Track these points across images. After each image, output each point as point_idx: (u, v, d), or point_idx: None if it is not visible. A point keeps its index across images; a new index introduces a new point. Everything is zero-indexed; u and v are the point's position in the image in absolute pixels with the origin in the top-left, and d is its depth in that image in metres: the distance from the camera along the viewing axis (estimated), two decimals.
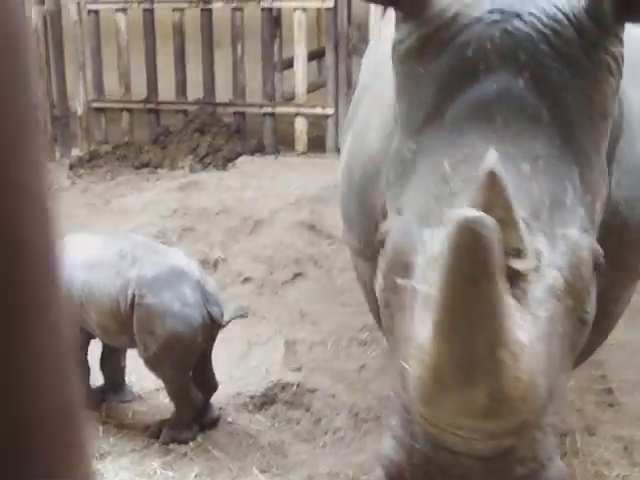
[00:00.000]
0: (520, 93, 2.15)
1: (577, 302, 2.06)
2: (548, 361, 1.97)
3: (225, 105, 9.06)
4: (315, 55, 9.43)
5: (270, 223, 6.80)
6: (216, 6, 8.85)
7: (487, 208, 1.89)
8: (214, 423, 4.21)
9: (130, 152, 8.78)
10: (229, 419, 4.28)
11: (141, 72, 9.08)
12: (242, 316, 4.45)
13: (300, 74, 8.83)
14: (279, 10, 8.82)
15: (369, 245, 2.67)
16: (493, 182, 1.94)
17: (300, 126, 8.87)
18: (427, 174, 2.21)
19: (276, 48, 8.95)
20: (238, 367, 4.78)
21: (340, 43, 8.57)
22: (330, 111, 8.75)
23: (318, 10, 8.89)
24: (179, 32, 8.91)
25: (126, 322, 4.03)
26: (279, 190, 7.45)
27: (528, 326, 1.91)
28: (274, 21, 8.80)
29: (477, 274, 1.83)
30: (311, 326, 5.39)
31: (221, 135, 8.68)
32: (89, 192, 7.86)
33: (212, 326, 4.03)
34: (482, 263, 1.82)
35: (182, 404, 4.06)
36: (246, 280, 5.97)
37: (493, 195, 1.93)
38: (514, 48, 2.16)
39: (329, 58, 8.66)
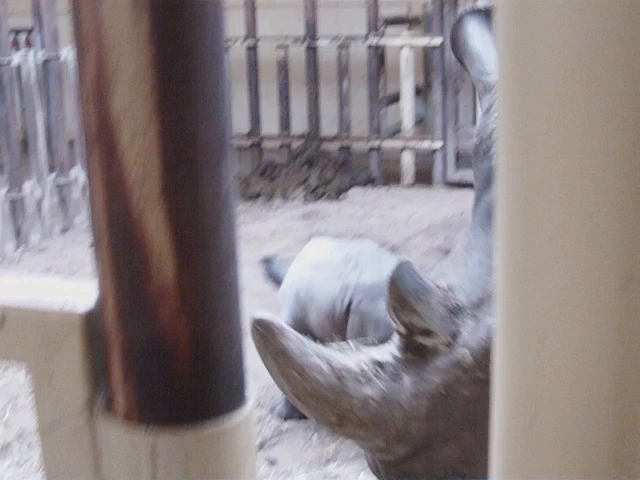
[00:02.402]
0: None
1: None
2: (429, 412, 2.64)
3: (331, 139, 9.45)
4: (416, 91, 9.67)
5: (406, 249, 7.10)
6: (321, 44, 9.21)
7: (391, 301, 2.65)
8: None
9: (238, 184, 9.09)
10: None
11: (243, 108, 9.40)
12: None
13: (407, 109, 9.27)
14: (384, 48, 9.17)
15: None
16: (393, 283, 2.64)
17: (407, 159, 9.29)
18: (456, 250, 2.97)
19: (381, 84, 9.28)
20: None
21: (447, 79, 8.93)
22: (438, 145, 9.08)
23: (424, 48, 9.22)
24: (283, 68, 9.24)
25: (340, 325, 4.27)
26: (404, 218, 7.79)
27: (388, 384, 2.63)
28: (380, 58, 9.10)
29: (267, 351, 2.57)
30: None
31: (328, 168, 9.03)
32: None
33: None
34: (269, 344, 2.56)
35: None
36: None
37: (393, 292, 2.64)
38: None
39: (437, 94, 9.10)
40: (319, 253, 4.52)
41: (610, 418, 0.80)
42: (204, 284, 0.89)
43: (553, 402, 0.80)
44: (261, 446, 4.27)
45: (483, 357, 2.61)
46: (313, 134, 9.51)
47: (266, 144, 9.70)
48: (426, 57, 9.79)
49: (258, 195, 9.00)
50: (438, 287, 2.67)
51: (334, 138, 9.48)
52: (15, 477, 4.03)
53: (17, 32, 10.74)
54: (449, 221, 7.69)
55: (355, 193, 8.86)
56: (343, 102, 9.39)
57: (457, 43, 3.16)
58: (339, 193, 8.74)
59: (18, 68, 7.42)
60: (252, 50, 9.46)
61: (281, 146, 9.63)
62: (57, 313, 0.96)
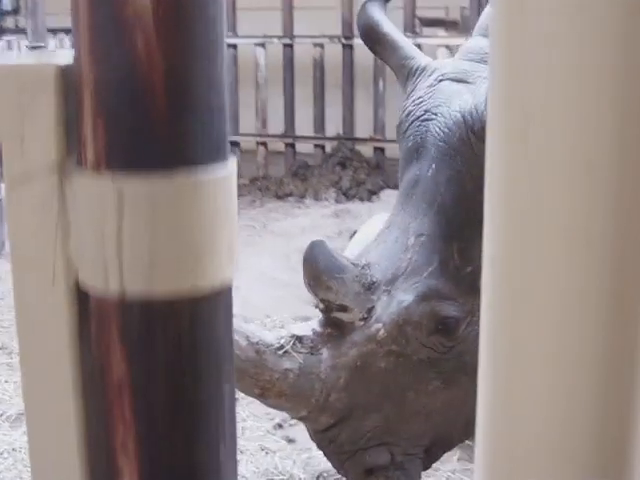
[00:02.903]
0: (426, 180, 2.87)
1: (406, 348, 2.78)
2: (347, 383, 2.81)
3: (365, 140, 9.43)
4: None
5: None
6: (357, 42, 9.16)
7: (307, 279, 2.77)
8: None
9: (270, 184, 9.09)
10: None
11: (278, 107, 9.38)
12: None
13: None
14: (420, 47, 9.09)
15: None
16: (307, 262, 2.77)
17: None
18: (381, 228, 3.05)
19: None
20: None
21: None
22: None
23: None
24: (319, 67, 9.22)
25: None
26: None
27: (306, 357, 2.78)
28: None
29: None
30: None
31: (362, 169, 9.03)
32: (242, 216, 8.11)
33: None
34: None
35: None
36: None
37: (308, 270, 2.76)
38: (430, 143, 2.89)
39: None
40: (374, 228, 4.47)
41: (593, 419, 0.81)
42: (182, 14, 0.81)
43: (534, 408, 0.81)
44: (280, 426, 4.25)
45: (395, 331, 2.79)
46: (347, 135, 9.48)
47: (300, 145, 9.70)
48: None
49: (290, 194, 9.03)
50: (355, 265, 2.83)
51: (368, 140, 9.46)
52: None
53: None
54: None
55: (387, 195, 8.81)
56: (378, 103, 9.39)
57: (369, 32, 3.35)
58: (371, 194, 8.69)
59: None
60: (288, 48, 9.42)
61: (315, 147, 9.61)
62: (32, 67, 0.89)
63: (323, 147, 9.55)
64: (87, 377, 0.99)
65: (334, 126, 9.60)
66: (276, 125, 9.63)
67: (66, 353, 0.97)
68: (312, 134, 9.68)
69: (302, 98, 9.61)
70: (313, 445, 4.05)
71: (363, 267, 2.87)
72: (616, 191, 0.78)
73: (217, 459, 1.01)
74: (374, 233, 4.42)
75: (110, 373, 0.97)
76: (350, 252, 4.40)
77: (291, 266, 6.67)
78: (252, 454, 4.12)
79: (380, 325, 2.81)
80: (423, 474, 3.03)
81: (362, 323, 2.81)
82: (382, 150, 9.42)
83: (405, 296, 2.81)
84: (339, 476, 3.74)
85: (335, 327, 2.83)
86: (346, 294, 2.80)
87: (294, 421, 4.27)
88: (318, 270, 2.78)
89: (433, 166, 2.88)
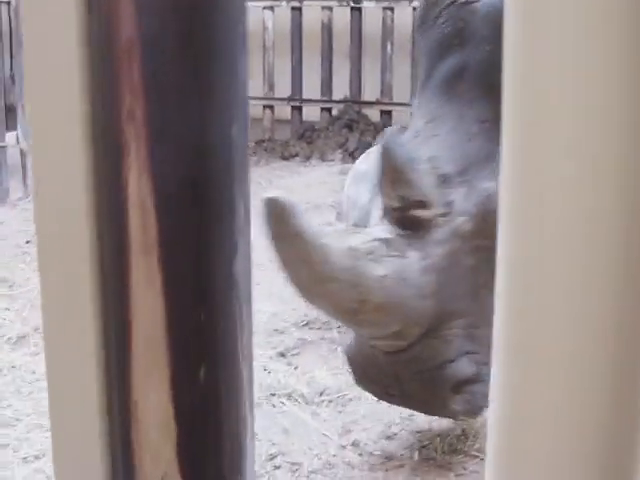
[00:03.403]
0: (479, 64, 2.73)
1: (493, 242, 2.65)
2: (437, 287, 2.58)
3: (372, 104, 9.43)
4: None
5: None
6: (366, 5, 9.13)
7: (384, 171, 2.61)
8: None
9: (276, 146, 9.05)
10: None
11: (285, 70, 9.34)
12: None
13: None
14: None
15: None
16: (385, 152, 2.62)
17: None
18: (417, 125, 2.89)
19: None
20: None
21: None
22: None
23: None
24: (327, 30, 9.17)
25: None
26: None
27: (398, 261, 2.54)
28: None
29: (282, 234, 2.48)
30: None
31: (368, 132, 9.05)
32: None
33: None
34: (284, 226, 2.46)
35: None
36: None
37: (386, 162, 2.60)
38: (479, 26, 2.72)
39: None
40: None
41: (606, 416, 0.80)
42: None
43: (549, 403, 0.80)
44: (283, 355, 4.21)
45: (481, 223, 2.60)
46: (354, 98, 9.48)
47: (307, 111, 9.68)
48: None
49: (296, 155, 9.03)
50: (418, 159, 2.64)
51: (375, 103, 9.44)
52: (29, 364, 3.98)
53: None
54: None
55: None
56: (386, 67, 9.35)
57: None
58: None
59: None
60: (296, 11, 9.39)
61: (322, 110, 9.60)
62: None
63: (330, 110, 9.54)
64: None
65: (341, 90, 9.58)
66: (283, 89, 9.59)
67: None
68: (319, 97, 9.63)
69: (309, 62, 9.59)
70: (316, 368, 4.04)
71: (429, 161, 2.68)
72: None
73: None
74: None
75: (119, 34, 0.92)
76: (351, 187, 4.39)
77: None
78: (255, 374, 4.09)
79: (464, 218, 2.64)
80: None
81: (443, 219, 2.64)
82: (389, 113, 9.39)
83: (487, 184, 2.64)
84: (341, 393, 3.72)
85: (412, 227, 2.65)
86: (425, 188, 2.63)
87: (297, 350, 4.25)
88: (398, 161, 2.61)
89: (487, 48, 2.72)
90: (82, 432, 1.07)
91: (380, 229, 2.70)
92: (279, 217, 2.49)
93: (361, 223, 4.27)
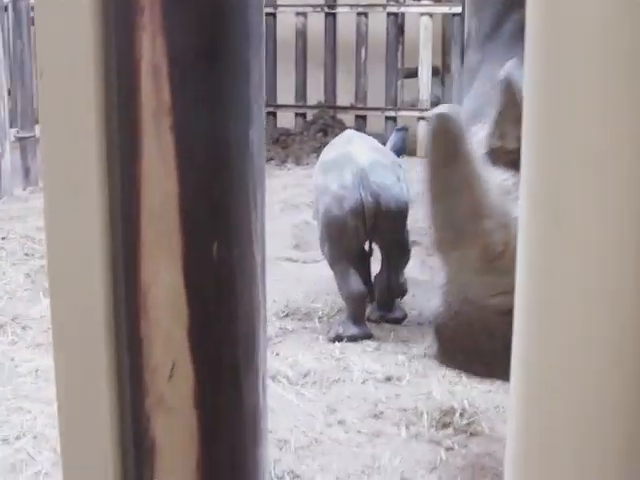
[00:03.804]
0: None
1: None
2: None
3: (346, 109, 9.46)
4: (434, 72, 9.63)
5: (416, 203, 6.98)
6: (340, 11, 9.14)
7: (504, 107, 2.41)
8: (398, 321, 4.49)
9: None
10: None
11: None
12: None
13: (424, 78, 9.27)
14: (403, 16, 9.11)
15: None
16: (508, 85, 2.41)
17: (423, 131, 9.06)
18: (485, 80, 2.76)
19: (399, 53, 9.31)
20: None
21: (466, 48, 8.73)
22: None
23: (443, 29, 9.16)
24: (302, 36, 9.18)
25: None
26: (415, 179, 7.65)
27: None
28: (399, 27, 9.24)
29: (448, 156, 2.27)
30: None
31: None
32: None
33: (364, 214, 4.29)
34: (452, 145, 2.27)
35: (342, 293, 4.36)
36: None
37: (508, 96, 2.41)
38: None
39: (455, 63, 8.91)
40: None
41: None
42: None
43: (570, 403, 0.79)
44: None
45: None
46: (329, 103, 9.49)
47: (281, 113, 9.69)
48: (445, 38, 9.66)
49: (271, 159, 8.89)
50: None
51: (350, 108, 9.46)
52: (7, 352, 3.92)
53: None
54: None
55: None
56: (360, 71, 9.37)
57: None
58: None
59: None
60: (271, 17, 9.48)
61: (296, 116, 9.60)
62: None
63: (304, 115, 9.54)
64: None
65: (316, 95, 9.59)
66: None
67: None
68: (293, 103, 9.64)
69: (284, 67, 9.58)
70: (300, 354, 3.99)
71: None
72: None
73: None
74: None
75: None
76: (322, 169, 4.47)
77: (273, 215, 6.67)
78: None
79: None
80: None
81: None
82: (363, 118, 9.41)
83: None
84: (325, 375, 3.68)
85: None
86: None
87: (279, 338, 4.21)
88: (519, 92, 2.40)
89: None
90: (84, 311, 1.02)
91: (497, 172, 2.50)
92: (448, 136, 2.29)
93: (332, 209, 4.29)
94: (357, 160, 4.35)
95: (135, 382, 1.01)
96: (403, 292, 4.58)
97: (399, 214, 4.34)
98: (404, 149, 5.02)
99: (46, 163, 0.99)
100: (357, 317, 4.29)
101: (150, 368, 1.01)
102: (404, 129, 5.15)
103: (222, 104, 0.96)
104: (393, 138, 4.99)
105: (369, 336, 4.28)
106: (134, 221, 0.95)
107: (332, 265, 4.40)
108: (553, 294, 0.78)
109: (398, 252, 4.49)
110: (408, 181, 4.53)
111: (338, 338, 4.27)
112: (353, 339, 4.24)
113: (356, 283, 4.31)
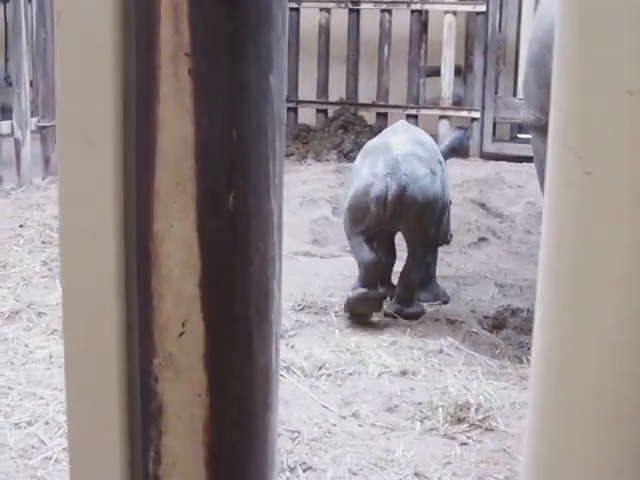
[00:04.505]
0: None
1: None
2: None
3: (367, 106, 9.40)
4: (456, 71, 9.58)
5: None
6: (364, 7, 9.09)
7: None
8: (415, 317, 4.48)
9: None
10: (473, 329, 4.38)
11: None
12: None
13: (447, 77, 9.23)
14: (427, 13, 9.04)
15: (544, 114, 3.21)
16: None
17: (444, 129, 9.10)
18: None
19: (422, 51, 9.25)
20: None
21: (489, 48, 8.97)
22: (476, 114, 9.04)
23: (468, 14, 9.09)
24: (325, 31, 9.14)
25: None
26: None
27: None
28: (422, 24, 9.19)
29: None
30: (513, 275, 5.57)
31: (364, 134, 9.01)
32: None
33: (386, 202, 4.33)
34: None
35: (356, 260, 4.51)
36: None
37: None
38: None
39: (478, 62, 9.06)
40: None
41: None
42: None
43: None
44: (281, 335, 4.12)
45: None
46: (350, 100, 9.42)
47: (303, 109, 9.66)
48: (468, 37, 9.61)
49: (291, 155, 8.92)
50: None
51: (371, 105, 9.40)
52: (22, 337, 3.90)
53: None
54: (484, 178, 7.67)
55: None
56: (382, 68, 9.31)
57: None
58: None
59: None
60: (294, 12, 9.47)
61: (317, 112, 9.55)
62: None
63: (326, 112, 9.50)
64: None
65: (337, 92, 9.54)
66: None
67: None
68: (314, 99, 9.61)
69: (306, 63, 9.56)
70: (315, 347, 3.95)
71: None
72: None
73: None
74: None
75: None
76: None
77: (292, 209, 6.70)
78: None
79: None
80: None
81: None
82: (384, 115, 9.33)
83: None
84: (340, 368, 3.64)
85: None
86: None
87: (295, 331, 4.18)
88: None
89: None
90: (95, 276, 0.99)
91: None
92: None
93: (359, 193, 4.29)
94: (393, 149, 4.41)
95: (144, 340, 0.97)
96: (436, 295, 4.70)
97: (426, 206, 4.34)
98: (458, 149, 5.07)
99: (60, 108, 0.95)
100: (366, 282, 4.35)
101: (160, 326, 0.97)
102: (463, 129, 5.22)
103: (243, 48, 0.91)
104: (450, 137, 5.09)
105: (378, 298, 4.33)
106: (149, 169, 0.92)
107: (349, 238, 4.51)
108: (576, 296, 0.77)
109: (423, 248, 4.51)
110: (446, 179, 4.54)
111: (348, 303, 4.34)
112: (359, 300, 4.29)
113: (368, 252, 4.40)
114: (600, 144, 0.71)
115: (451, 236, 5.09)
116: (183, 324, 0.98)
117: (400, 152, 4.39)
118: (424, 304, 4.62)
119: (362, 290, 4.31)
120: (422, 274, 4.59)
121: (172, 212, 0.94)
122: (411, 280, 4.52)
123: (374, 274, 4.40)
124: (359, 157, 4.66)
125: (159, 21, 0.87)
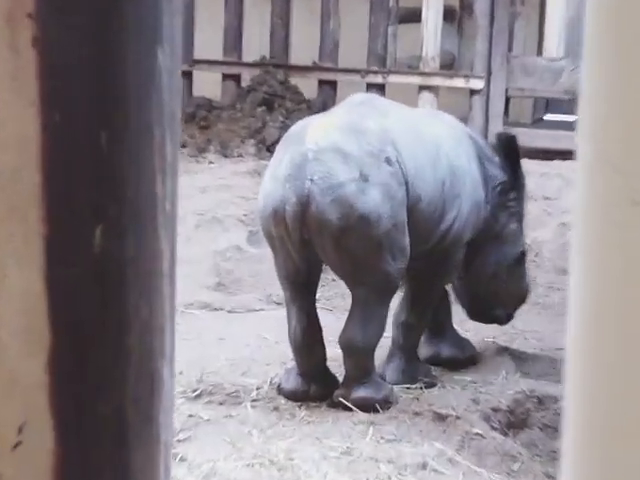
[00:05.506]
0: None
1: None
2: None
3: (304, 69, 7.45)
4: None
5: None
6: None
7: None
8: (372, 404, 3.69)
9: None
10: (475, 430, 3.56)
11: None
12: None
13: (431, 25, 7.34)
14: None
15: None
16: None
17: (426, 104, 7.52)
18: None
19: None
20: None
21: None
22: (478, 85, 7.29)
23: None
24: None
25: None
26: None
27: None
28: None
29: None
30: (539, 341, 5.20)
31: (299, 112, 6.89)
32: None
33: (285, 220, 3.58)
34: None
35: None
36: None
37: None
38: None
39: (481, 4, 7.25)
40: None
41: None
42: None
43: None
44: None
45: None
46: (277, 60, 7.79)
47: (201, 74, 8.01)
48: None
49: (184, 146, 7.30)
50: None
51: (311, 68, 7.85)
52: None
53: None
54: None
55: None
56: (329, 10, 7.59)
57: None
58: None
59: None
60: None
61: (224, 78, 7.91)
62: None
63: (238, 78, 7.93)
64: None
65: (255, 48, 7.98)
66: None
67: None
68: (220, 58, 8.00)
69: (206, 4, 7.86)
70: (220, 459, 3.02)
71: None
72: None
73: None
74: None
75: None
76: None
77: (184, 234, 5.28)
78: None
79: None
80: None
81: None
82: (332, 85, 7.78)
83: None
84: None
85: None
86: None
87: (188, 432, 3.25)
88: None
89: None
90: None
91: None
92: None
93: (259, 209, 3.90)
94: (306, 140, 3.59)
95: None
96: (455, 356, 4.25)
97: (349, 229, 3.58)
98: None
99: None
100: (303, 369, 3.76)
101: None
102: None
103: (116, 7, 0.74)
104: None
105: (307, 395, 3.75)
106: None
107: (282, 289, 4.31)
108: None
109: (367, 291, 3.64)
110: (395, 188, 3.62)
111: (279, 391, 3.87)
112: (289, 396, 3.70)
113: (295, 319, 3.76)
114: None
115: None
116: (20, 429, 0.77)
117: (315, 143, 3.57)
118: (395, 386, 3.88)
119: (293, 385, 3.67)
120: (377, 333, 3.84)
121: (6, 253, 0.76)
122: (355, 345, 3.77)
123: (308, 356, 3.71)
124: (276, 151, 4.21)
125: None
